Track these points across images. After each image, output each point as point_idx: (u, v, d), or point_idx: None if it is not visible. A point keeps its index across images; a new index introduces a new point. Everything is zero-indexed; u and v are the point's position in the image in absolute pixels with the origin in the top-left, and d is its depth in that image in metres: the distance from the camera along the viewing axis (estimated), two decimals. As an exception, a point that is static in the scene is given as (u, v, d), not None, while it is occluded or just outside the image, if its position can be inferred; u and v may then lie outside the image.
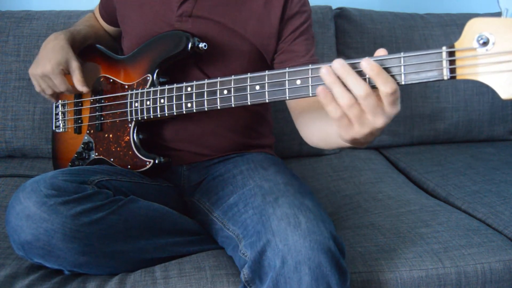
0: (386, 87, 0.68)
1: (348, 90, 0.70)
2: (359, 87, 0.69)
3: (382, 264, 1.01)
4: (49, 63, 1.05)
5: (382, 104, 0.70)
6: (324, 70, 0.71)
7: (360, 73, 0.70)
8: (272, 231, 0.83)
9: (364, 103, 0.69)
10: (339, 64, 0.70)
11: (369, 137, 0.74)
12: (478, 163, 1.54)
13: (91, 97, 1.14)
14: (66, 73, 1.08)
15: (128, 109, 1.07)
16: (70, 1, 1.69)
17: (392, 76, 0.70)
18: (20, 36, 1.49)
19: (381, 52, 0.72)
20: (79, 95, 1.14)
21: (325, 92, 0.71)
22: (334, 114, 0.72)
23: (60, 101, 1.21)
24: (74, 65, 1.07)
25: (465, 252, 1.05)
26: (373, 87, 0.70)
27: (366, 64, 0.69)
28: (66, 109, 1.20)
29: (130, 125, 1.07)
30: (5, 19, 1.52)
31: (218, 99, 0.91)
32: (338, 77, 0.70)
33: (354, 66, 0.71)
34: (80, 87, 1.07)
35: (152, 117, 1.03)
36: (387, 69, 0.70)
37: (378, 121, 0.71)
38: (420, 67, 0.69)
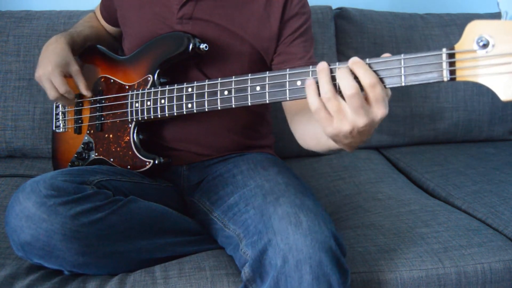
0: (366, 78, 0.69)
1: (330, 82, 0.72)
2: (347, 86, 0.70)
3: (382, 264, 1.01)
4: (49, 65, 1.06)
5: (368, 105, 0.71)
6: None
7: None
8: (273, 230, 0.83)
9: (350, 101, 0.70)
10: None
11: (351, 137, 0.74)
12: (478, 163, 1.54)
13: (92, 97, 1.14)
14: (66, 75, 1.09)
15: (129, 109, 1.07)
16: (70, 1, 1.69)
17: (392, 77, 0.70)
18: (20, 36, 1.49)
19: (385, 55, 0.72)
20: (79, 95, 1.14)
21: (310, 83, 0.73)
22: (312, 106, 0.73)
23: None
24: (75, 69, 1.09)
25: (465, 252, 1.05)
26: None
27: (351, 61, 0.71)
28: (66, 109, 1.20)
29: (130, 125, 1.07)
30: (5, 19, 1.52)
31: (218, 100, 0.91)
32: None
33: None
34: (85, 91, 1.10)
35: (152, 117, 1.03)
36: (387, 70, 0.70)
37: (359, 120, 0.71)
38: (420, 69, 0.69)
